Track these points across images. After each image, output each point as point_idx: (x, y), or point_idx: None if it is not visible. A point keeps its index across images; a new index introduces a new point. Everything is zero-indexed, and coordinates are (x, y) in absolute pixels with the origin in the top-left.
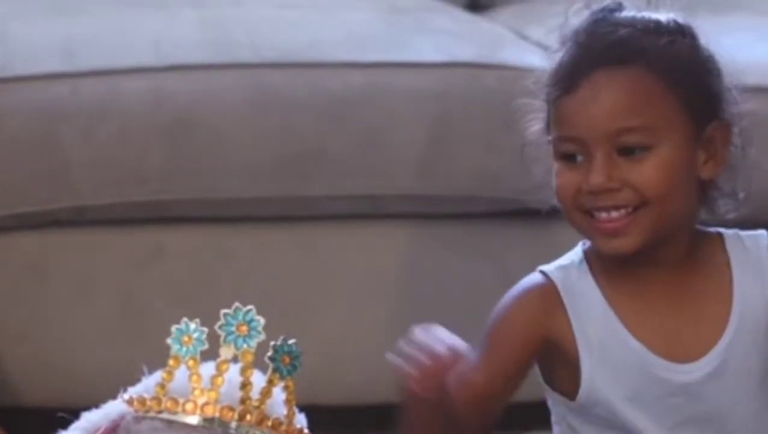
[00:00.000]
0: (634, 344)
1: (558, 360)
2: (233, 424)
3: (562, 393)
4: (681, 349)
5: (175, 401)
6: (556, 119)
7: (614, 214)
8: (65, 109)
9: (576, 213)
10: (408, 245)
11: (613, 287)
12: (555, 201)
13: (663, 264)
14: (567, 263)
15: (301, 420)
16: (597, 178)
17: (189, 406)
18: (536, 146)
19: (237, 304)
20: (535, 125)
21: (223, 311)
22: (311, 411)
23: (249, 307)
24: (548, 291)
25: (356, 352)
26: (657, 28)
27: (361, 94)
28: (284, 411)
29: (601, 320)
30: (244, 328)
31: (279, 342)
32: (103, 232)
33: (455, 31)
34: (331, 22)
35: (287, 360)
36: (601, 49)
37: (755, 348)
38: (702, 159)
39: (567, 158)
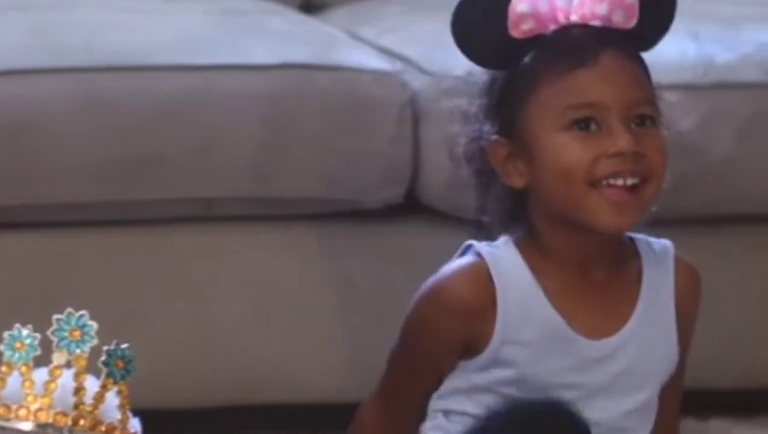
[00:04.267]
0: (554, 318)
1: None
2: (67, 429)
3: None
4: (595, 330)
5: (8, 407)
6: (564, 92)
7: (629, 182)
8: None
9: (581, 187)
10: (243, 247)
11: (540, 270)
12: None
13: (602, 256)
14: (495, 244)
15: (135, 425)
16: (626, 141)
17: (22, 412)
18: (467, 145)
19: (69, 309)
20: (466, 125)
21: (56, 316)
22: (145, 415)
23: (82, 312)
24: (478, 273)
25: (191, 355)
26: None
27: (195, 96)
28: (118, 415)
29: (524, 291)
30: (77, 333)
31: (112, 347)
32: None
33: (288, 33)
34: (164, 25)
35: (120, 364)
36: (597, 35)
37: (654, 345)
38: None
39: (576, 129)
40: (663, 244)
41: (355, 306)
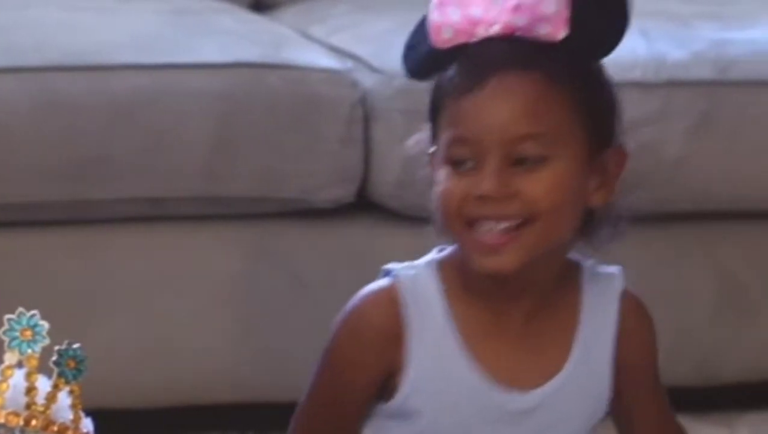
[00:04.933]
0: (469, 365)
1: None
2: (19, 430)
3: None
4: (519, 378)
5: None
6: (450, 120)
7: (502, 226)
8: None
9: (457, 223)
10: (195, 247)
11: (460, 303)
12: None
13: (526, 292)
14: (417, 266)
15: (87, 425)
16: (490, 183)
17: None
18: (419, 158)
19: (21, 309)
20: (420, 136)
21: (7, 316)
22: (98, 415)
23: (33, 312)
24: (388, 298)
25: (143, 355)
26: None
27: (146, 96)
28: (70, 415)
29: (438, 331)
30: (29, 333)
31: (64, 347)
32: None
33: (239, 32)
34: (116, 24)
35: (72, 364)
36: (503, 52)
37: (586, 392)
38: (594, 185)
39: (456, 163)
40: (610, 274)
41: (305, 305)
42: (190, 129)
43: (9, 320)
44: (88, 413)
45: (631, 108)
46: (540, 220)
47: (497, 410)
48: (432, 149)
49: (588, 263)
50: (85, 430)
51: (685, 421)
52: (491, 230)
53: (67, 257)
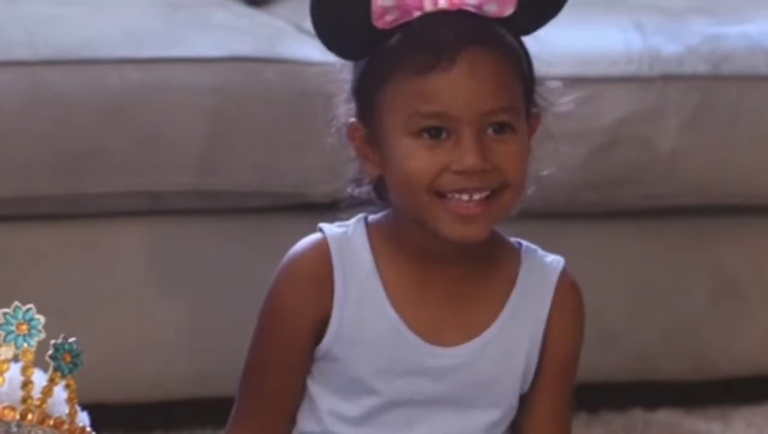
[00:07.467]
0: (392, 318)
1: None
2: (15, 424)
3: None
4: (442, 335)
5: None
6: (414, 95)
7: (476, 197)
8: None
9: (426, 196)
10: (190, 240)
11: (387, 265)
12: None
13: (458, 257)
14: (348, 225)
15: (83, 419)
16: (473, 158)
17: None
18: (341, 134)
19: (16, 303)
20: (341, 112)
21: (2, 310)
22: (94, 409)
23: (29, 306)
24: (318, 247)
25: (139, 349)
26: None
27: (140, 90)
28: (66, 409)
29: (363, 284)
30: (24, 327)
31: (59, 341)
32: None
33: (234, 26)
34: (108, 18)
35: (68, 358)
36: (462, 29)
37: (512, 362)
38: None
39: (423, 136)
40: (554, 259)
41: None
42: (185, 123)
43: (5, 314)
44: (84, 407)
45: (625, 102)
46: (509, 189)
47: (418, 364)
48: (351, 120)
49: (532, 247)
50: (81, 424)
51: (680, 415)
52: (467, 201)
53: (62, 252)
